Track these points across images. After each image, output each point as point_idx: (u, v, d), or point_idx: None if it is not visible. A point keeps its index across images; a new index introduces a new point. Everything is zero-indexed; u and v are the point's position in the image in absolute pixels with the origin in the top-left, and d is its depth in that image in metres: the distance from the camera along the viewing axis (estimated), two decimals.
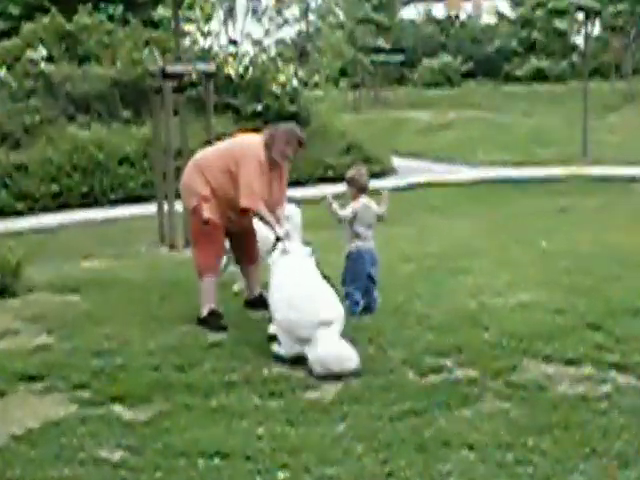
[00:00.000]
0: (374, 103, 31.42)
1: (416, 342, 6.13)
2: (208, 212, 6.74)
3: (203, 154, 7.02)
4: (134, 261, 9.36)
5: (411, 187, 16.86)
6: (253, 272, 7.23)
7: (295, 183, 14.56)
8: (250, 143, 6.82)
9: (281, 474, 4.24)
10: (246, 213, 6.75)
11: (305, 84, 22.08)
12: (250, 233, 7.15)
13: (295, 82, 19.43)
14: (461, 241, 10.17)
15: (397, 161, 19.94)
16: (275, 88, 18.89)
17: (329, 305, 5.84)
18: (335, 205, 6.77)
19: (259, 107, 18.58)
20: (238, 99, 18.70)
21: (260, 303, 6.95)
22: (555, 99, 27.04)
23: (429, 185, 16.91)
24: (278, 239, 6.52)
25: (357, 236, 6.90)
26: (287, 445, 4.54)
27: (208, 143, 9.09)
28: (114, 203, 15.71)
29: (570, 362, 5.70)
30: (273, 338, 6.05)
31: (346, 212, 6.84)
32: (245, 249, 7.19)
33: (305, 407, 5.09)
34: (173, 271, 7.57)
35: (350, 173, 6.95)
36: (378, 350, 6.00)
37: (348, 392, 5.30)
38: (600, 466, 4.23)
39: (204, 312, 6.75)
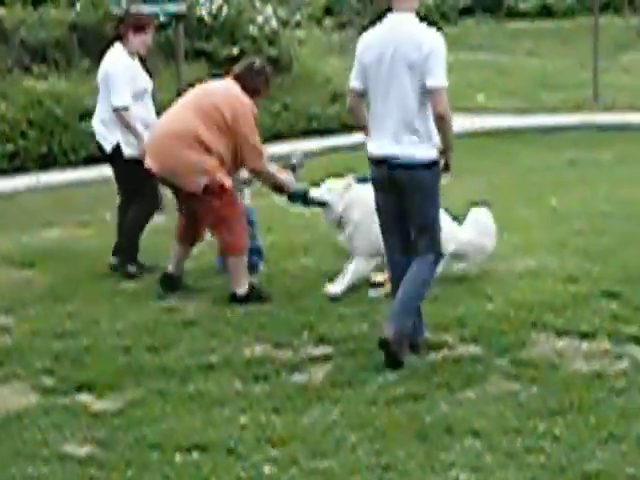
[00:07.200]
0: None
1: None
2: (226, 179, 6.63)
3: (184, 122, 6.62)
4: (99, 230, 9.29)
5: None
6: (188, 252, 7.18)
7: (275, 137, 14.49)
8: (234, 91, 6.71)
9: (267, 468, 4.23)
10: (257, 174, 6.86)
11: (285, 24, 21.80)
12: None
13: (274, 22, 19.21)
14: (460, 200, 10.09)
15: None
16: (252, 30, 18.68)
17: None
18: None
19: (235, 51, 18.37)
20: (211, 43, 18.49)
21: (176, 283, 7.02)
22: (563, 37, 26.87)
23: None
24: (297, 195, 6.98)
25: None
26: (273, 436, 4.53)
27: (179, 94, 8.99)
28: (76, 164, 15.55)
29: (584, 335, 5.71)
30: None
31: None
32: (198, 225, 7.00)
33: (292, 392, 5.07)
34: (142, 240, 7.55)
35: None
36: (372, 326, 5.99)
37: (339, 374, 5.29)
38: (619, 452, 4.24)
39: (243, 290, 6.67)
